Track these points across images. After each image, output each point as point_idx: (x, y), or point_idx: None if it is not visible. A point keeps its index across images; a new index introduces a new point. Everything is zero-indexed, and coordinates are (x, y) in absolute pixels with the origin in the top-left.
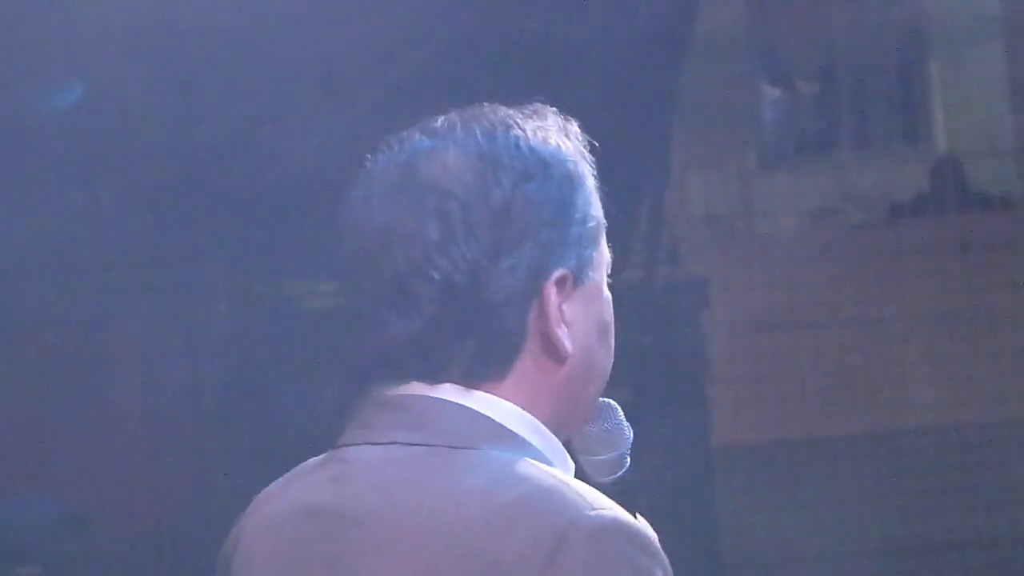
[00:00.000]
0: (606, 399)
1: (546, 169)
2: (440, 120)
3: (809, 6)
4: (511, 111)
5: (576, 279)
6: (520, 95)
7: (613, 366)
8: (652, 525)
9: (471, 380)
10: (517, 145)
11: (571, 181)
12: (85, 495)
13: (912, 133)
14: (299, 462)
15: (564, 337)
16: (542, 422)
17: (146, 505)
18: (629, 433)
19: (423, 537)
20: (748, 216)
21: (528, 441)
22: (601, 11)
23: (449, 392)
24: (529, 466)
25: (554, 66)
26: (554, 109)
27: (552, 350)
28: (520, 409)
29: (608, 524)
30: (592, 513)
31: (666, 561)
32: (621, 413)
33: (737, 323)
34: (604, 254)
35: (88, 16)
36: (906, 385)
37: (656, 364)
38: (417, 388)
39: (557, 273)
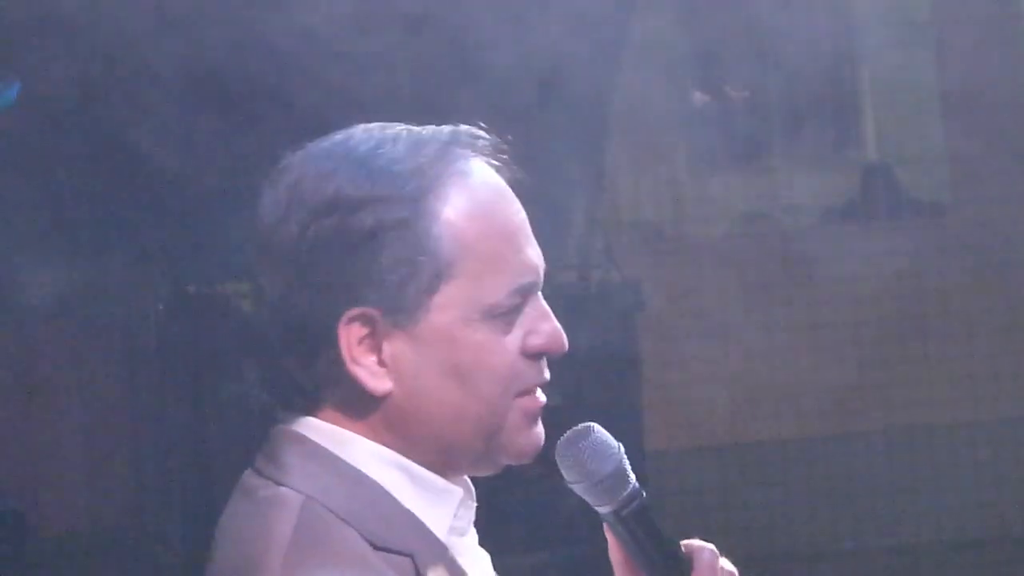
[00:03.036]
0: (584, 424)
1: (355, 207)
2: (304, 148)
3: (741, 12)
4: (385, 133)
5: (395, 321)
6: (452, 101)
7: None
8: (582, 529)
9: (309, 407)
10: (328, 179)
11: (385, 223)
12: (24, 492)
13: (843, 139)
14: (234, 461)
15: (365, 375)
16: (405, 453)
17: (83, 502)
18: (615, 448)
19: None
20: (679, 221)
21: (346, 461)
22: (535, 15)
23: (290, 417)
24: (272, 527)
25: (488, 71)
26: (468, 132)
27: (363, 385)
28: (353, 434)
29: None
30: None
31: None
32: (598, 431)
33: (669, 327)
34: (457, 298)
35: (18, 14)
36: (838, 390)
37: (590, 367)
38: (283, 414)
39: (352, 311)
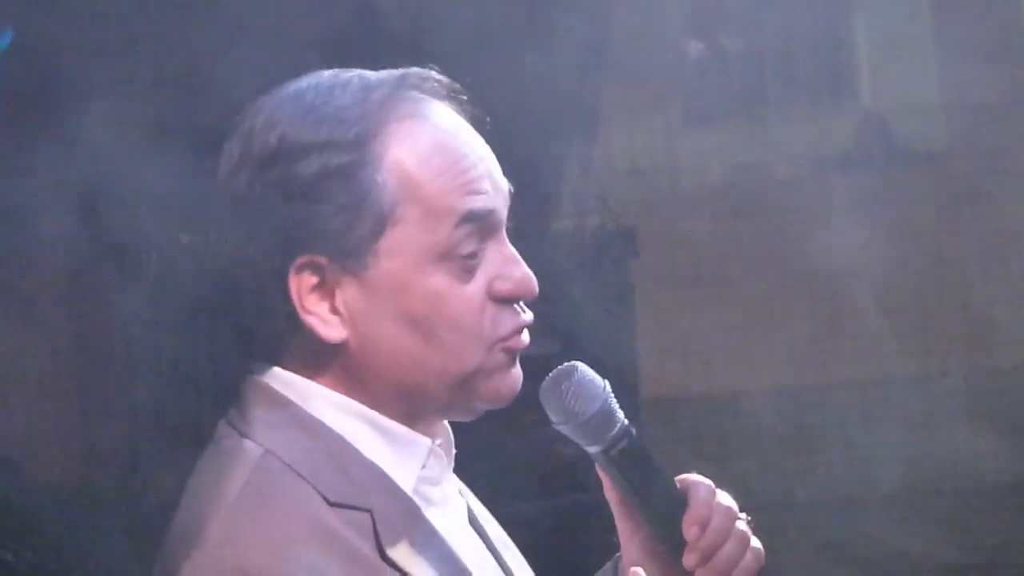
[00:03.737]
0: (567, 363)
1: (298, 155)
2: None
3: None
4: (336, 79)
5: (344, 267)
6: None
7: (542, 318)
8: (577, 478)
9: (272, 356)
10: (274, 127)
11: (327, 170)
12: (12, 437)
13: (838, 88)
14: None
15: (316, 323)
16: (366, 403)
17: (75, 447)
18: (600, 386)
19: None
20: (674, 170)
21: (309, 412)
22: None
23: (258, 367)
24: (223, 483)
25: (484, 15)
26: (418, 74)
27: (315, 334)
28: (317, 385)
29: (223, 562)
30: (210, 549)
31: None
32: (582, 370)
33: (664, 276)
34: (405, 242)
35: None
36: (833, 339)
37: (584, 315)
38: (252, 364)
39: (301, 259)
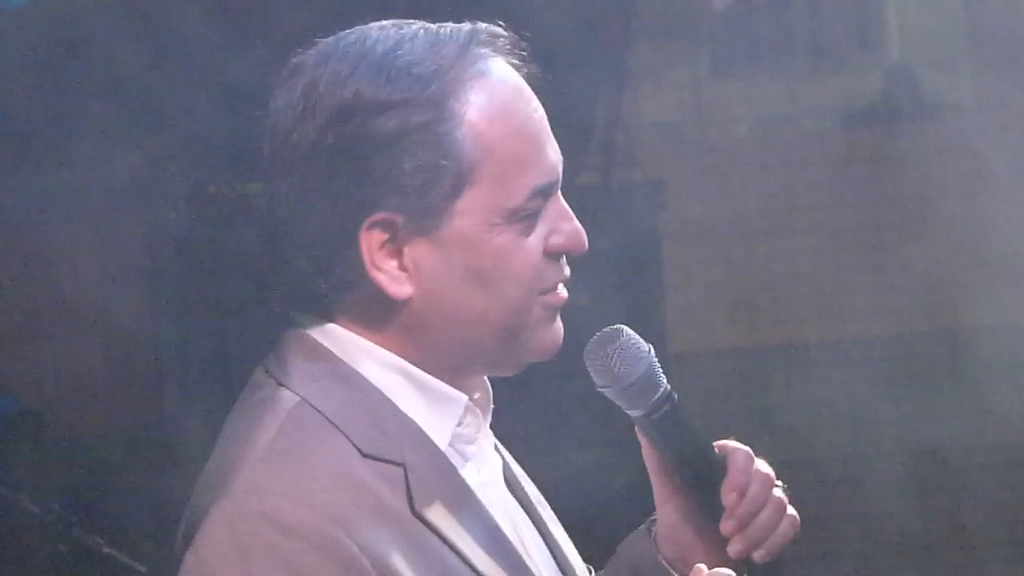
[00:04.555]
0: (613, 326)
1: (376, 111)
2: (316, 46)
3: None
4: (402, 32)
5: (417, 226)
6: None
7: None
8: (604, 433)
9: (322, 310)
10: (346, 81)
11: (407, 127)
12: (42, 393)
13: (865, 41)
14: (254, 362)
15: (385, 280)
16: (412, 359)
17: (102, 401)
18: (645, 350)
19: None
20: (701, 122)
21: (348, 364)
22: None
23: (304, 319)
24: (256, 430)
25: None
26: (488, 30)
27: (384, 290)
28: (360, 338)
29: (248, 509)
30: (236, 495)
31: (325, 540)
32: (627, 334)
33: (691, 228)
34: (480, 202)
35: None
36: (857, 293)
37: (612, 268)
38: (298, 316)
39: (374, 216)
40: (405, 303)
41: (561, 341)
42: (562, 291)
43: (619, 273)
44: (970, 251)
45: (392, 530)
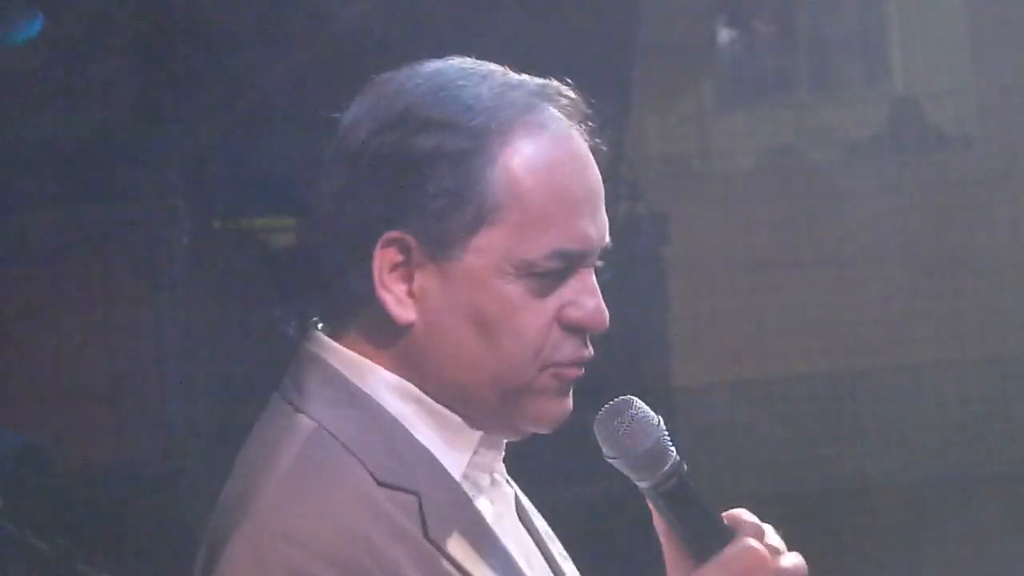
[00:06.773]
0: (622, 397)
1: (419, 127)
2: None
3: None
4: (480, 69)
5: (430, 253)
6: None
7: None
8: (611, 467)
9: (335, 324)
10: (404, 96)
11: (441, 150)
12: (45, 427)
13: (871, 73)
14: (263, 393)
15: (391, 301)
16: (415, 383)
17: (107, 437)
18: (655, 424)
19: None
20: (706, 155)
21: (363, 390)
22: None
23: (317, 342)
24: (275, 455)
25: (515, 5)
26: (558, 88)
27: (388, 311)
28: (373, 364)
29: (270, 529)
30: (258, 517)
31: (348, 561)
32: (637, 406)
33: (695, 260)
34: (496, 245)
35: None
36: (865, 324)
37: (615, 302)
38: (310, 340)
39: (391, 234)
40: (408, 329)
41: (564, 417)
42: (579, 369)
43: (624, 306)
44: (980, 281)
45: (410, 554)
